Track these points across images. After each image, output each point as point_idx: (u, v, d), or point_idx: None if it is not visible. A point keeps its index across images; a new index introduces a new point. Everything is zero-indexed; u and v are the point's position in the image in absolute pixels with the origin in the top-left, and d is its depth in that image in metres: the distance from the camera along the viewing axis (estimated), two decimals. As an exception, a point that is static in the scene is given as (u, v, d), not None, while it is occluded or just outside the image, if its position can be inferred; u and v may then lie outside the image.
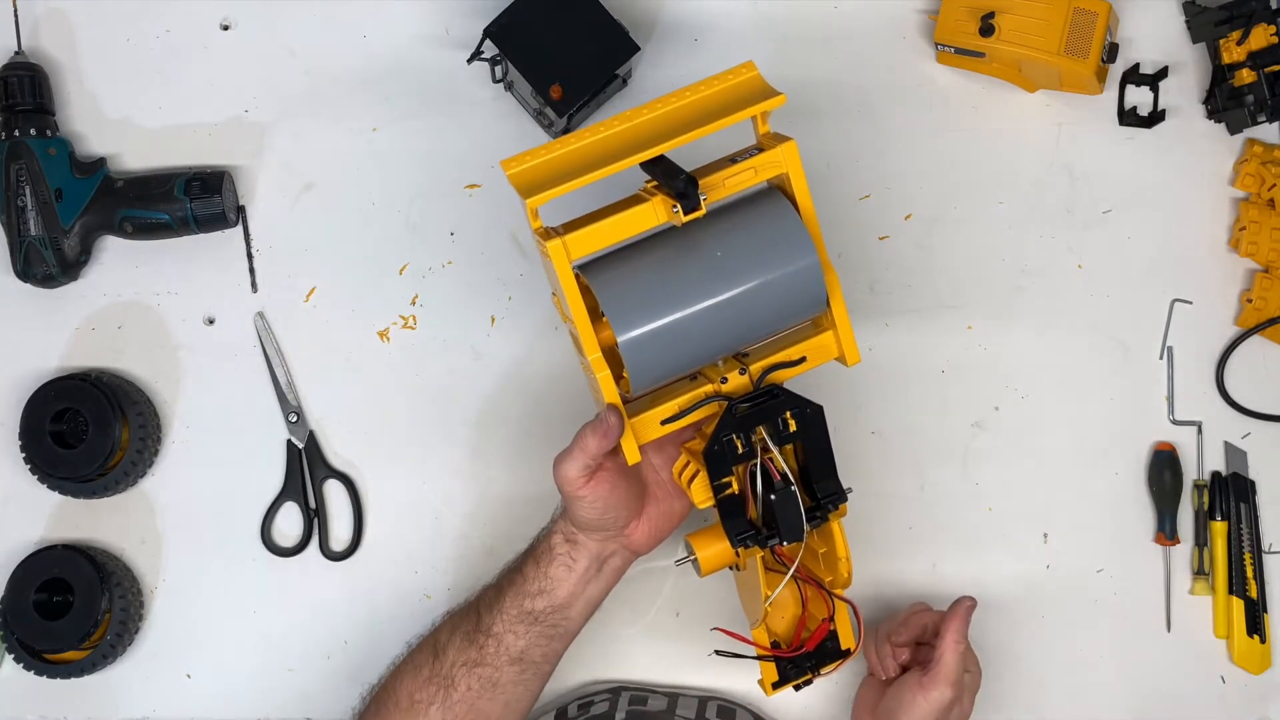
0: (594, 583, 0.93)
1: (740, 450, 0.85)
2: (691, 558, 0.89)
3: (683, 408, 0.88)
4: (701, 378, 0.89)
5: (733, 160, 0.86)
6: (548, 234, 0.85)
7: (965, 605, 0.93)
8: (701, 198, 0.82)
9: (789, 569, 0.86)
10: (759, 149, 0.86)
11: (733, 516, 0.86)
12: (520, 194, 0.83)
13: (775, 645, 0.91)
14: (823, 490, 0.87)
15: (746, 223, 0.86)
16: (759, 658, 0.90)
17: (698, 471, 0.87)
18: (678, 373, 0.87)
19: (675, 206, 0.82)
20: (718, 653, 0.90)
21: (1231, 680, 1.09)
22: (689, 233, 0.85)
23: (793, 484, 0.84)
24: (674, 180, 0.82)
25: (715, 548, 0.88)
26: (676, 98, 0.86)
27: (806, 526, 0.85)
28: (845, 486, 0.88)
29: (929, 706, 0.91)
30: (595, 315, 0.85)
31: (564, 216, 0.86)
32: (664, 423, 0.88)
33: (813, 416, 0.86)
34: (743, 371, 0.88)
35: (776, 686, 0.90)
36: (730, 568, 0.91)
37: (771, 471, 0.85)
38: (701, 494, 0.87)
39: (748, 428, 0.85)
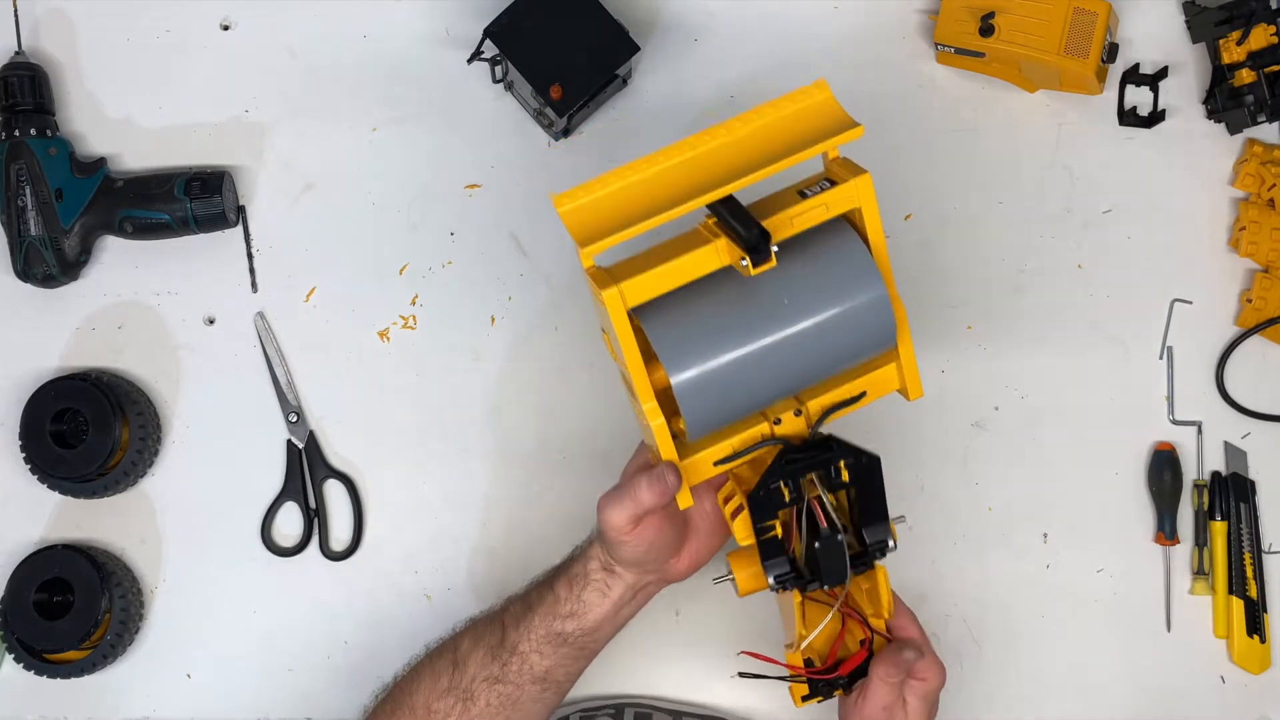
0: (627, 607, 0.91)
1: (787, 498, 0.82)
2: (730, 577, 0.87)
3: (737, 449, 0.84)
4: (757, 417, 0.85)
5: (801, 195, 0.81)
6: (601, 278, 0.79)
7: (905, 656, 0.84)
8: (774, 250, 0.77)
9: (831, 605, 0.84)
10: (830, 181, 0.81)
11: (773, 557, 0.83)
12: (576, 241, 0.77)
13: (808, 662, 0.88)
14: (871, 536, 0.83)
15: (812, 257, 0.80)
16: (789, 679, 0.87)
17: (741, 506, 0.83)
18: (736, 417, 0.83)
19: (744, 259, 0.77)
20: (741, 675, 0.87)
21: (1231, 680, 1.09)
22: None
23: (840, 533, 0.81)
24: (745, 231, 0.76)
25: (755, 569, 0.85)
26: (743, 122, 0.79)
27: (850, 573, 0.81)
28: (896, 515, 0.85)
29: None
30: (647, 355, 0.81)
31: (623, 247, 0.80)
32: (717, 464, 0.85)
33: (867, 466, 0.83)
34: (798, 413, 0.84)
35: (806, 699, 0.87)
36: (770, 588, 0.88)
37: (819, 517, 0.81)
38: (743, 532, 0.83)
39: (798, 475, 0.82)
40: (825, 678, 0.86)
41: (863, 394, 0.85)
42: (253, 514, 1.10)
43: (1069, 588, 1.09)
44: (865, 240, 0.81)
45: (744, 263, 0.77)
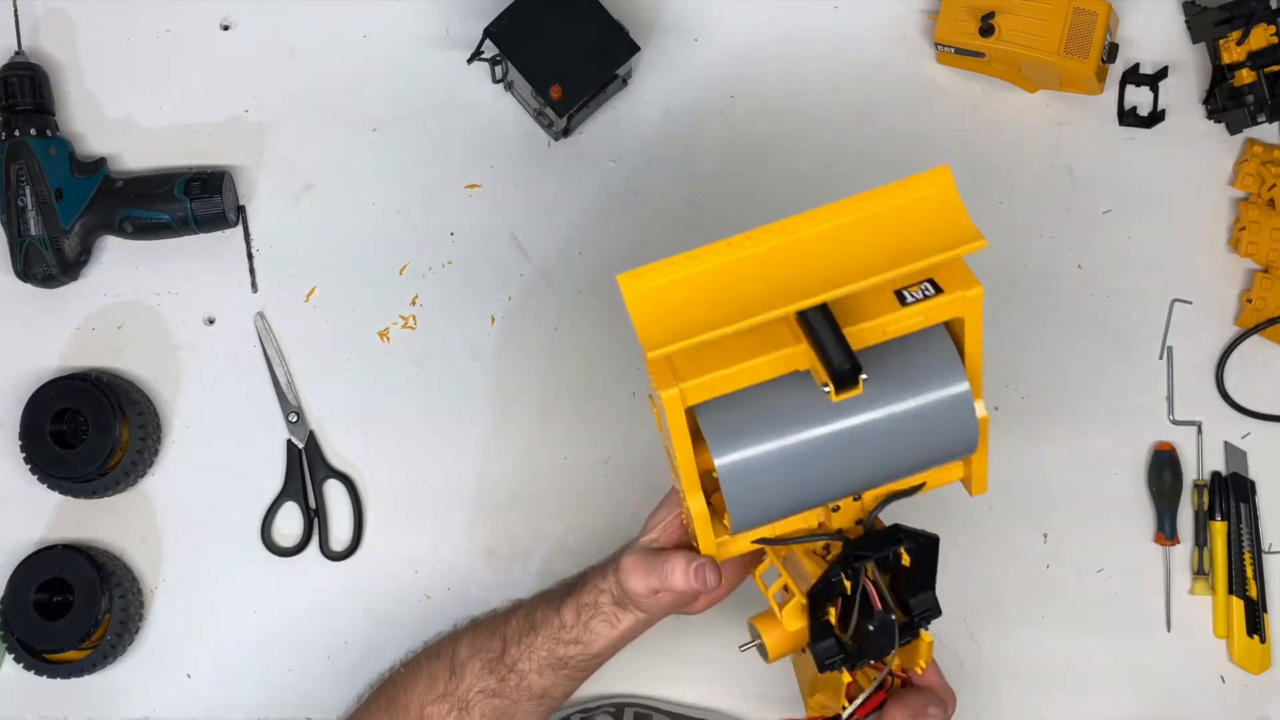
0: (633, 635, 0.90)
1: (848, 590, 0.76)
2: (758, 643, 0.83)
3: (780, 534, 0.79)
4: None
5: (900, 297, 0.72)
6: (662, 374, 0.71)
7: (930, 710, 0.81)
8: (863, 379, 0.68)
9: (873, 678, 0.80)
10: (934, 286, 0.72)
11: (823, 641, 0.78)
12: (642, 342, 0.68)
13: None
14: (918, 606, 0.78)
15: (897, 353, 0.73)
16: None
17: (790, 593, 0.79)
18: (788, 513, 0.77)
19: (826, 386, 0.68)
20: None
21: (1231, 680, 1.09)
22: None
23: (893, 614, 0.75)
24: (835, 360, 0.68)
25: (783, 633, 0.80)
26: (848, 210, 0.70)
27: (898, 645, 0.77)
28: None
29: None
30: (695, 434, 0.74)
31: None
32: (756, 542, 0.80)
33: (926, 547, 0.77)
34: (856, 497, 0.78)
35: None
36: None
37: (873, 600, 0.75)
38: (794, 621, 0.79)
39: (857, 564, 0.76)
40: None
41: (921, 484, 0.79)
42: (253, 514, 1.10)
43: (1069, 588, 1.09)
44: (960, 348, 0.75)
45: (825, 389, 0.69)
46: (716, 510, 0.80)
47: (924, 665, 0.82)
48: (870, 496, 0.79)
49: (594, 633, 0.89)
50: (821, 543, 0.80)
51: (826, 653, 0.78)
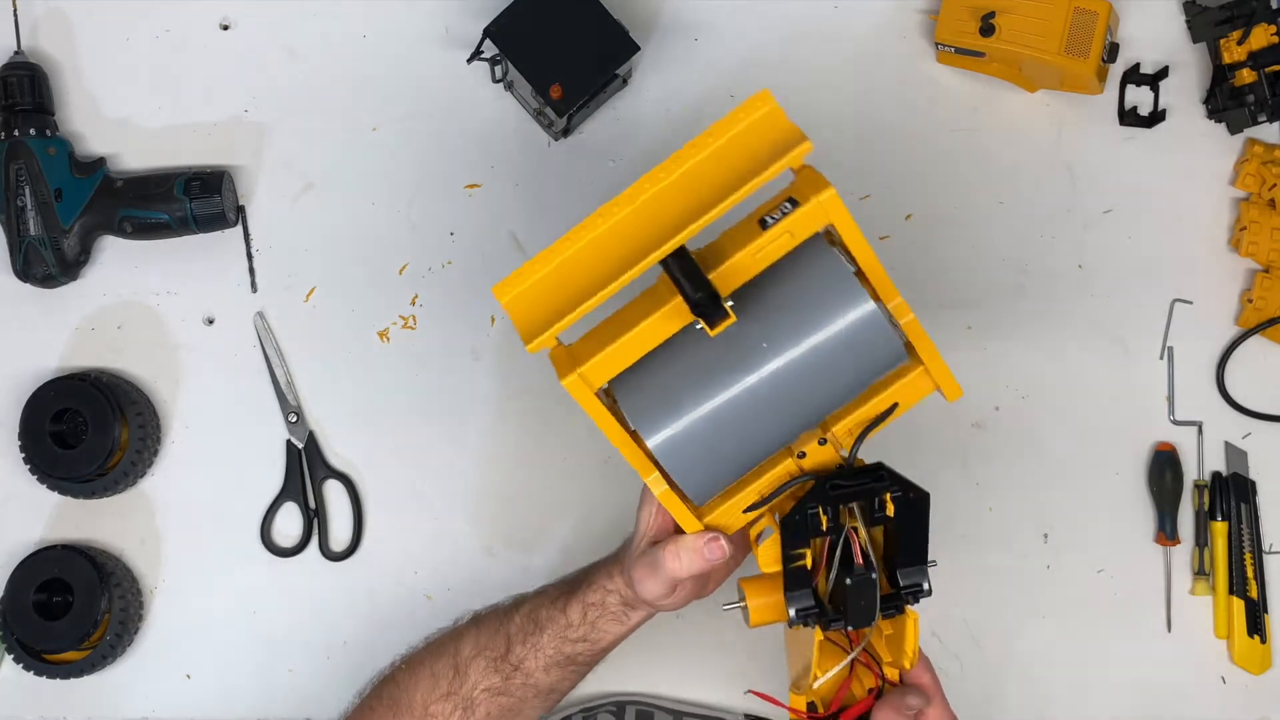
0: (639, 627, 0.90)
1: (824, 526, 0.75)
2: (741, 604, 0.82)
3: (764, 494, 0.79)
4: (780, 454, 0.79)
5: (763, 224, 0.73)
6: (561, 363, 0.74)
7: (909, 701, 0.79)
8: (729, 304, 0.70)
9: (848, 652, 0.78)
10: (793, 202, 0.73)
11: (798, 588, 0.77)
12: (522, 337, 0.73)
13: (811, 706, 0.81)
14: (906, 578, 0.77)
15: (786, 287, 0.74)
16: None
17: (766, 530, 0.78)
18: (741, 470, 0.78)
19: (697, 323, 0.71)
20: (748, 717, 0.86)
21: (1231, 680, 1.09)
22: None
23: (874, 571, 0.74)
24: (691, 293, 0.70)
25: (769, 599, 0.80)
26: (683, 159, 0.73)
27: (879, 616, 0.75)
28: (929, 559, 0.78)
29: None
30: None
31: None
32: (747, 510, 0.80)
33: (915, 502, 0.76)
34: (823, 442, 0.78)
35: None
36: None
37: (854, 551, 0.75)
38: (768, 557, 0.77)
39: (839, 503, 0.76)
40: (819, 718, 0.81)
41: (894, 406, 0.78)
42: (253, 514, 1.10)
43: (1069, 588, 1.09)
44: (849, 256, 0.75)
45: (698, 326, 0.71)
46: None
47: (910, 654, 0.79)
48: (843, 432, 0.78)
49: (602, 630, 0.89)
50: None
51: (800, 600, 0.77)
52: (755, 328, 0.74)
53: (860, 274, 0.76)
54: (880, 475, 0.76)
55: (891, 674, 0.80)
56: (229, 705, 1.09)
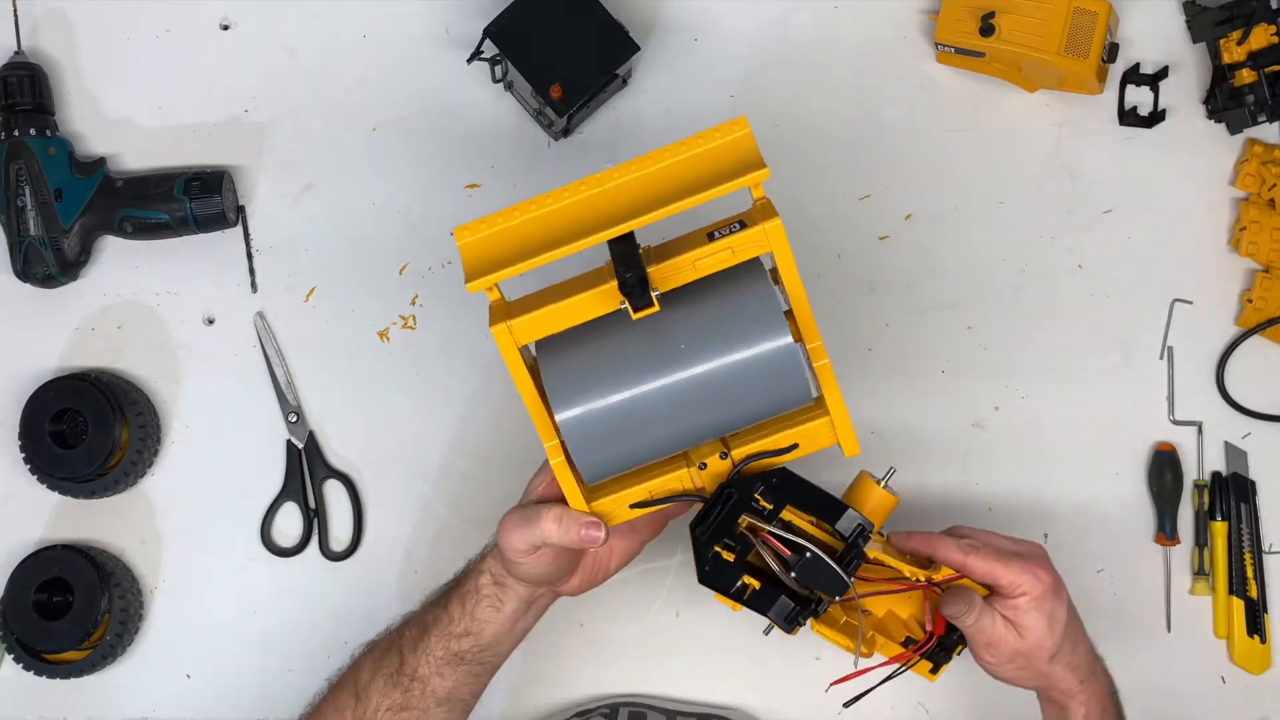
0: (522, 620, 0.90)
1: (733, 557, 0.80)
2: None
3: (654, 495, 0.83)
4: (681, 459, 0.83)
5: (711, 237, 0.78)
6: (495, 313, 0.79)
7: (950, 599, 0.85)
8: (654, 293, 0.75)
9: (858, 611, 0.84)
10: (741, 224, 0.78)
11: (768, 604, 0.81)
12: (465, 275, 0.77)
13: (907, 641, 0.88)
14: (845, 529, 0.81)
15: (716, 302, 0.78)
16: (897, 672, 0.87)
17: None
18: (636, 462, 0.81)
19: (624, 302, 0.76)
20: (846, 705, 0.86)
21: (1231, 680, 1.09)
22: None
23: (808, 550, 0.79)
24: (624, 275, 0.74)
25: (828, 629, 0.87)
26: (654, 159, 0.77)
27: (847, 575, 0.79)
28: (887, 470, 0.86)
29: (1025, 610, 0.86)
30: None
31: (534, 279, 0.80)
32: (634, 506, 0.83)
33: (781, 483, 0.81)
34: (724, 456, 0.81)
35: (935, 671, 0.88)
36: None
37: (780, 550, 0.79)
38: (728, 603, 0.82)
39: (726, 533, 0.80)
40: (927, 648, 0.86)
41: (794, 446, 0.82)
42: (253, 514, 1.10)
43: (1069, 588, 1.09)
44: (782, 288, 0.78)
45: (623, 306, 0.76)
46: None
47: (905, 566, 0.84)
48: (740, 455, 0.81)
49: (481, 620, 0.88)
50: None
51: (781, 612, 0.80)
52: (680, 331, 0.78)
53: (790, 315, 0.79)
54: (730, 494, 0.80)
55: (926, 575, 0.85)
56: (229, 705, 1.09)
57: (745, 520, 0.80)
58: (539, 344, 0.80)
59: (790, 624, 0.81)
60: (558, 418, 0.78)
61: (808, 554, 0.79)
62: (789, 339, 0.77)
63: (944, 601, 0.85)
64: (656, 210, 0.74)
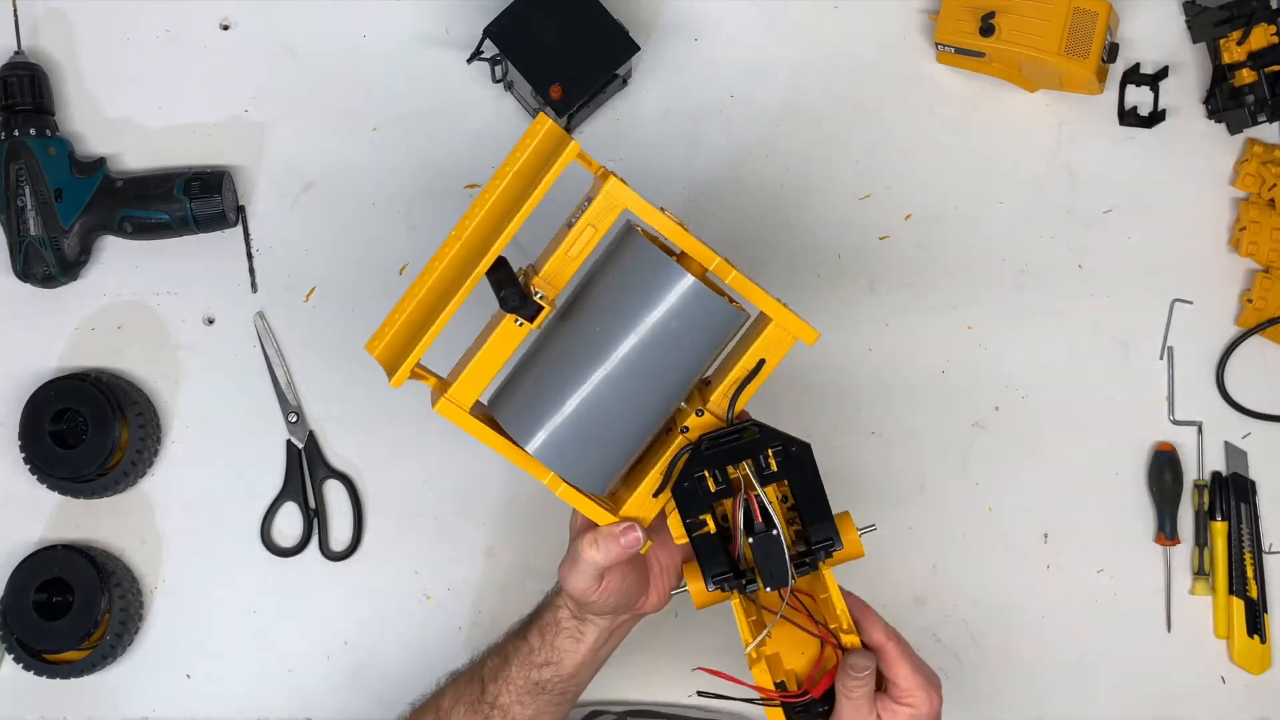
0: (604, 648, 0.90)
1: (715, 489, 0.80)
2: (684, 588, 0.86)
3: (664, 471, 0.82)
4: (667, 434, 0.83)
5: (568, 224, 0.79)
6: (435, 394, 0.82)
7: (851, 663, 0.81)
8: (538, 295, 0.78)
9: (776, 615, 0.82)
10: (589, 200, 0.79)
11: (709, 555, 0.81)
12: (388, 377, 0.80)
13: (781, 685, 0.83)
14: (816, 535, 0.81)
15: (607, 276, 0.80)
16: (760, 701, 0.83)
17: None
18: (627, 454, 0.82)
19: (518, 320, 0.78)
20: (700, 694, 0.84)
21: (1231, 680, 1.09)
22: (560, 315, 0.81)
23: (775, 528, 0.79)
24: (500, 295, 0.77)
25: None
26: (489, 190, 0.80)
27: (793, 573, 0.79)
28: (868, 525, 0.83)
29: None
30: None
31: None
32: (656, 494, 0.83)
33: (798, 455, 0.80)
34: (700, 412, 0.81)
35: None
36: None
37: (754, 511, 0.79)
38: (676, 530, 0.82)
39: (722, 464, 0.80)
40: (795, 700, 0.82)
41: (762, 362, 0.81)
42: (253, 514, 1.10)
43: (1069, 588, 1.09)
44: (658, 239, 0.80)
45: (519, 324, 0.78)
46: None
47: (839, 611, 0.81)
48: (720, 399, 0.81)
49: (562, 651, 0.89)
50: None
51: (713, 565, 0.81)
52: (591, 319, 0.79)
53: (684, 256, 0.80)
54: (747, 427, 0.80)
55: (850, 640, 0.82)
56: (229, 705, 1.09)
57: (745, 468, 0.80)
58: (489, 400, 0.82)
59: (716, 582, 0.81)
60: (528, 449, 0.80)
61: (774, 531, 0.79)
62: (687, 277, 0.77)
63: (849, 653, 0.81)
64: (504, 231, 0.76)
